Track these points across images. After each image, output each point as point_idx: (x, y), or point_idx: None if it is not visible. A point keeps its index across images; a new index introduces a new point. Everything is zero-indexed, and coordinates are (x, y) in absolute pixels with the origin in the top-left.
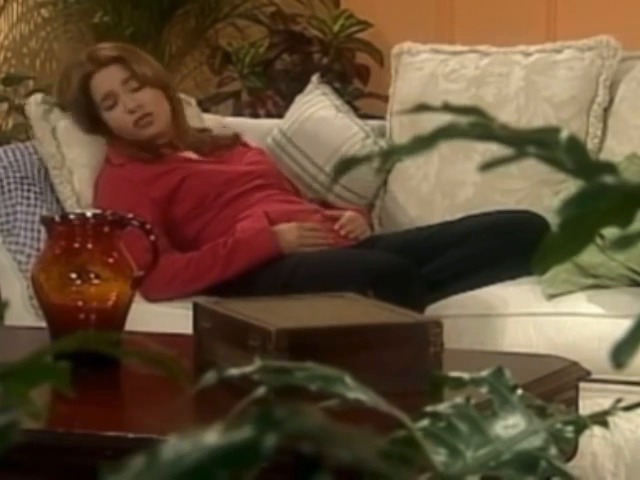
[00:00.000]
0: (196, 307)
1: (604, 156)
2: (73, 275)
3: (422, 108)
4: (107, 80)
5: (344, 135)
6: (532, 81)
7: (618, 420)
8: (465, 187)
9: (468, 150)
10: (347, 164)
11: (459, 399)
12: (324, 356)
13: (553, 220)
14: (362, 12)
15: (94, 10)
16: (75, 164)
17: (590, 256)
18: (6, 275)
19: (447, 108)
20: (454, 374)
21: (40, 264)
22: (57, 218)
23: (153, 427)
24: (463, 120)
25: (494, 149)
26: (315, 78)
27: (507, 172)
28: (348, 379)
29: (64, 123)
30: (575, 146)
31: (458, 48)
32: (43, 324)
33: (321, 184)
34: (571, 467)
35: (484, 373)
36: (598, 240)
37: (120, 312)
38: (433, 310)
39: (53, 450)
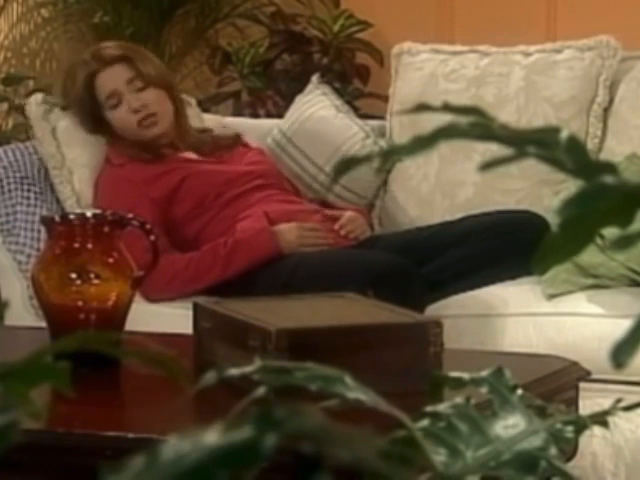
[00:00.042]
0: (196, 307)
1: (604, 156)
2: (73, 275)
3: (422, 108)
4: (112, 79)
5: (344, 135)
6: (532, 81)
7: (618, 420)
8: (465, 187)
9: (468, 150)
10: (347, 164)
11: (459, 399)
12: (324, 356)
13: (553, 220)
14: (362, 12)
15: (94, 10)
16: (75, 164)
17: (590, 256)
18: (6, 275)
19: (447, 108)
20: (454, 374)
21: (40, 264)
22: (57, 218)
23: (153, 427)
24: (463, 120)
25: (494, 149)
26: (315, 78)
27: (507, 172)
28: (348, 379)
29: (64, 123)
30: (575, 146)
31: (458, 48)
32: (43, 324)
33: (321, 184)
34: (571, 467)
35: (484, 373)
36: (598, 240)
37: (120, 312)
38: (433, 310)
39: (53, 450)
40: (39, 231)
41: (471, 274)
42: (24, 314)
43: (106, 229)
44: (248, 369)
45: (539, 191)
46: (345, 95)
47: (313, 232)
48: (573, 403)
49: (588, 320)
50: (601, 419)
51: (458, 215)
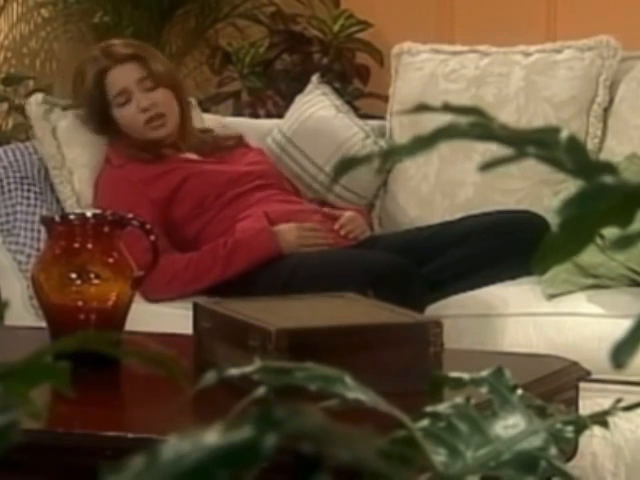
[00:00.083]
0: (196, 307)
1: (604, 156)
2: (73, 275)
3: (422, 108)
4: (123, 77)
5: (344, 135)
6: (532, 81)
7: (618, 420)
8: (465, 187)
9: (468, 150)
10: (347, 164)
11: (459, 399)
12: (324, 356)
13: (553, 220)
14: (362, 12)
15: (94, 10)
16: (75, 164)
17: (590, 256)
18: (6, 275)
19: (447, 108)
20: (454, 374)
21: (40, 264)
22: (57, 218)
23: (153, 427)
24: (463, 120)
25: (494, 149)
26: (315, 78)
27: (507, 172)
28: (348, 379)
29: (64, 123)
30: (575, 146)
31: (458, 48)
32: (43, 324)
33: (321, 184)
34: (571, 467)
35: (484, 373)
36: (598, 240)
37: (120, 312)
38: (433, 310)
39: (53, 450)
40: (39, 231)
41: (471, 274)
42: (24, 314)
43: (106, 229)
44: (248, 369)
45: (539, 191)
46: (345, 95)
47: (313, 232)
48: (573, 403)
49: (588, 320)
50: (601, 419)
51: (458, 215)
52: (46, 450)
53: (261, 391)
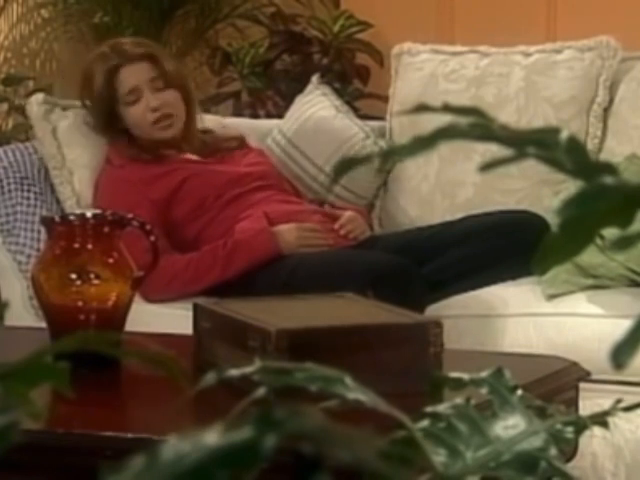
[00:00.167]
0: (196, 307)
1: (604, 156)
2: (73, 275)
3: (422, 109)
4: (135, 75)
5: (344, 135)
6: (532, 81)
7: (618, 420)
8: (465, 187)
9: (468, 150)
10: (347, 164)
11: (459, 400)
12: (324, 356)
13: (553, 220)
14: (362, 12)
15: (94, 10)
16: (75, 165)
17: (590, 256)
18: (6, 275)
19: (447, 109)
20: (454, 375)
21: (40, 264)
22: (57, 218)
23: (153, 427)
24: (463, 121)
25: (494, 149)
26: (315, 78)
27: (507, 172)
28: (348, 379)
29: (65, 123)
30: (575, 146)
31: (458, 48)
32: (43, 324)
33: (321, 184)
34: (571, 467)
35: (484, 374)
36: (598, 240)
37: (120, 312)
38: (434, 310)
39: (53, 450)
40: (39, 231)
41: (471, 274)
42: (24, 314)
43: (106, 229)
44: (248, 370)
45: (539, 191)
46: (345, 95)
47: (313, 232)
48: (573, 403)
49: (588, 320)
50: (601, 419)
51: (458, 215)
52: (46, 450)
53: (261, 391)
